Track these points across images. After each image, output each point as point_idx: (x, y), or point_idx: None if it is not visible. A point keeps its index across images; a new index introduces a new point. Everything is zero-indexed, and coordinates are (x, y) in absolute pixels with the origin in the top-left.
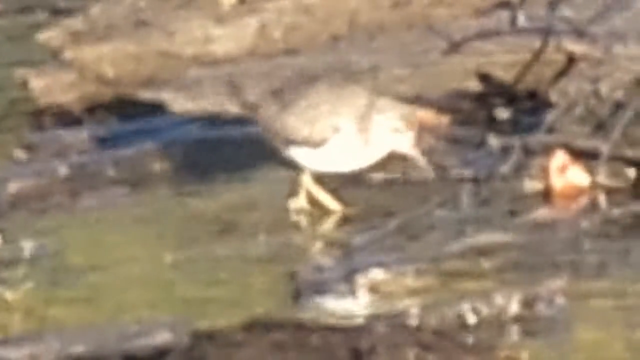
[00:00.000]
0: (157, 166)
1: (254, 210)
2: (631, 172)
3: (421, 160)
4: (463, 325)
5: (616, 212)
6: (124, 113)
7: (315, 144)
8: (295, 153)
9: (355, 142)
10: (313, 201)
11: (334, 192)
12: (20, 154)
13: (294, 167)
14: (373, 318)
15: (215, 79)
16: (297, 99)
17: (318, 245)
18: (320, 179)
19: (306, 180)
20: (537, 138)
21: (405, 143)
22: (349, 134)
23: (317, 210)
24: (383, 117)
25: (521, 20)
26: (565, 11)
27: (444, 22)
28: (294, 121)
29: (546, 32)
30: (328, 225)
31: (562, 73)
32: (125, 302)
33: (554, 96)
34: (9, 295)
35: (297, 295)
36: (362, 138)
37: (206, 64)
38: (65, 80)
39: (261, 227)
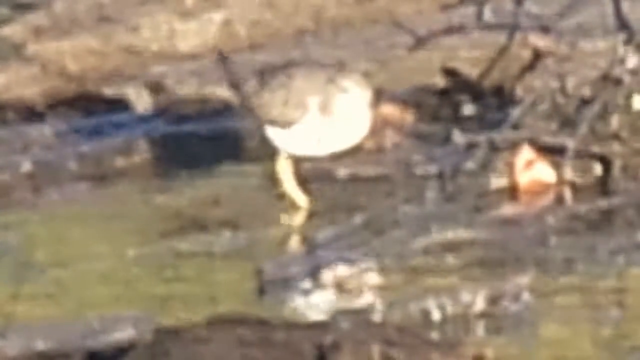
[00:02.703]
0: (121, 162)
1: (219, 206)
2: (597, 168)
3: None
4: (428, 322)
5: (582, 208)
6: (88, 108)
7: (286, 124)
8: (271, 132)
9: (322, 122)
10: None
11: (300, 187)
12: None
13: (262, 161)
14: (337, 314)
15: (180, 75)
16: (274, 78)
17: (283, 241)
18: (295, 170)
19: (281, 167)
20: (503, 134)
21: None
22: (317, 113)
23: (284, 204)
24: (346, 94)
25: (487, 15)
26: (532, 6)
27: (409, 17)
28: (269, 100)
29: (512, 28)
30: (293, 221)
31: (528, 69)
32: (89, 298)
33: (520, 92)
34: None
35: (261, 291)
36: (325, 116)
37: (170, 59)
38: (27, 75)
39: (226, 223)
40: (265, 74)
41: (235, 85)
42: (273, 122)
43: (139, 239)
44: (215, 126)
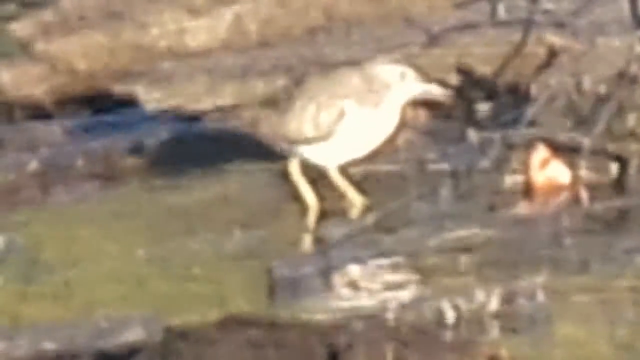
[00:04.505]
0: (130, 160)
1: (229, 205)
2: (613, 167)
3: (436, 90)
4: (442, 322)
5: (598, 207)
6: (96, 106)
7: (325, 137)
8: (308, 152)
9: (366, 118)
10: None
11: (311, 186)
12: None
13: (272, 160)
14: (350, 314)
15: (189, 72)
16: (292, 100)
17: (294, 240)
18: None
19: (293, 168)
20: (518, 132)
21: (415, 85)
22: (356, 113)
23: (296, 204)
24: (383, 71)
25: (501, 12)
26: (547, 3)
27: (422, 14)
28: (297, 123)
29: (527, 25)
30: (304, 220)
31: (543, 66)
32: (98, 298)
33: (535, 90)
34: None
35: (272, 292)
36: (371, 109)
37: (180, 56)
38: (35, 73)
39: (236, 223)
40: (271, 100)
41: (226, 111)
42: (309, 142)
43: (148, 238)
44: (224, 125)
